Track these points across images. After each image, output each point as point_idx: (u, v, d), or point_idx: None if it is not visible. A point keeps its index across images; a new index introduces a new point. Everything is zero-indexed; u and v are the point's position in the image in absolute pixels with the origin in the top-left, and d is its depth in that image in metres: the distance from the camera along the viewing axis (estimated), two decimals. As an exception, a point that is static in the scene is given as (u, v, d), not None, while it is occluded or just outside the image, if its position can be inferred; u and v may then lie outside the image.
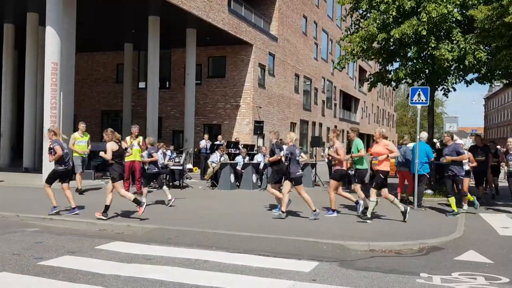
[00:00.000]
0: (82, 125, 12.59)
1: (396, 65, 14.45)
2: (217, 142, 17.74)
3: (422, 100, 11.11)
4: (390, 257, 6.49)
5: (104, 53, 28.01)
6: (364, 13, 14.10)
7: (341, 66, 14.37)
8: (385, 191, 8.91)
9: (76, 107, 18.66)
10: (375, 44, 13.51)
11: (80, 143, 12.29)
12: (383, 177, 8.82)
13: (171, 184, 14.57)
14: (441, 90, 14.41)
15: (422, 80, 14.04)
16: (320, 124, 37.34)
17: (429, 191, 12.96)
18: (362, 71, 50.69)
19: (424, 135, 11.60)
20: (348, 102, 48.98)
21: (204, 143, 18.33)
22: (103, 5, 18.10)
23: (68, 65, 15.62)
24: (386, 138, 9.32)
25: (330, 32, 39.50)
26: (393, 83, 14.53)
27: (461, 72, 13.38)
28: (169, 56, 26.24)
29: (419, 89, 11.24)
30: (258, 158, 16.04)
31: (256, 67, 25.33)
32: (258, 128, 22.54)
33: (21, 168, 18.74)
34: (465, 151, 10.79)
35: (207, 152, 17.63)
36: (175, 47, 25.44)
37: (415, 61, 13.16)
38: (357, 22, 14.47)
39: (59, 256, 6.06)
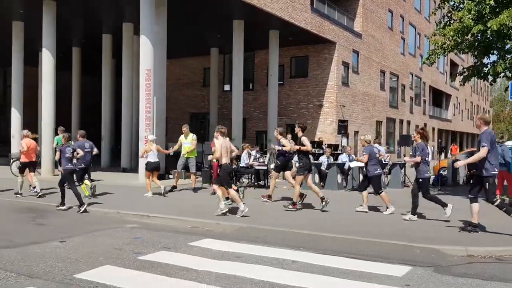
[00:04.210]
0: (184, 129, 13.12)
1: (493, 58, 13.44)
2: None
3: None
4: (490, 263, 6.07)
5: (192, 58, 29.24)
6: (457, 4, 13.29)
7: (430, 61, 13.69)
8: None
9: (167, 110, 19.64)
10: (468, 37, 12.67)
11: (184, 144, 13.04)
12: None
13: (256, 183, 14.84)
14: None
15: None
16: (408, 122, 35.79)
17: None
18: (453, 64, 47.70)
19: None
20: (439, 98, 46.35)
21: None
22: (191, 13, 18.91)
23: (160, 71, 16.48)
24: None
25: (418, 25, 37.68)
26: (490, 78, 13.53)
27: None
28: (252, 58, 26.72)
29: (520, 83, 10.36)
30: (343, 158, 15.78)
31: (339, 65, 24.93)
32: (342, 128, 22.11)
33: (120, 168, 20.18)
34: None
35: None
36: (258, 49, 25.83)
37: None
38: (449, 14, 13.67)
39: (156, 251, 6.46)
